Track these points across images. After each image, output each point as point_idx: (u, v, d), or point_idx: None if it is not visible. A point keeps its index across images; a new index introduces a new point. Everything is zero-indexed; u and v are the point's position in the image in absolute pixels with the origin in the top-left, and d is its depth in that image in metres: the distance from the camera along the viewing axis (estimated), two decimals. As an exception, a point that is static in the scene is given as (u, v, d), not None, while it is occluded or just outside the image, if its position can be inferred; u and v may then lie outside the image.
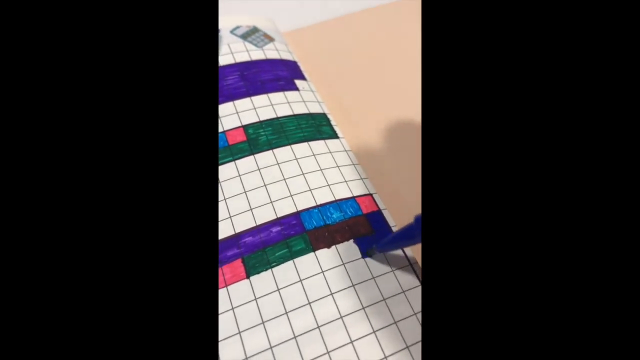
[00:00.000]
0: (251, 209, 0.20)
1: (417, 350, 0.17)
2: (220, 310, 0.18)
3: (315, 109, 0.24)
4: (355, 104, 0.26)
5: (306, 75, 0.27)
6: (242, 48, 0.26)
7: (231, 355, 0.17)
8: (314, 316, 0.17)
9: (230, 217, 0.20)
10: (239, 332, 0.17)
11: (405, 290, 0.19)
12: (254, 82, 0.24)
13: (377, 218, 0.21)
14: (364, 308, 0.18)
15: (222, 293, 0.18)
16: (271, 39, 0.27)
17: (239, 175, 0.21)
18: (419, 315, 0.18)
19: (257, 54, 0.26)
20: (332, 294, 0.18)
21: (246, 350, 0.17)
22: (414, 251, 0.20)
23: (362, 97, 0.27)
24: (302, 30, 0.31)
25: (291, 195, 0.20)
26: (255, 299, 0.18)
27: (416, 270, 0.19)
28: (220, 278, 0.18)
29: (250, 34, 0.27)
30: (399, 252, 0.20)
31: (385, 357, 0.17)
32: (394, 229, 0.20)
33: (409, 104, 0.25)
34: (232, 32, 0.27)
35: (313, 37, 0.31)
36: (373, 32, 0.31)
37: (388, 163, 0.24)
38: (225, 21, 0.28)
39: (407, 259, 0.19)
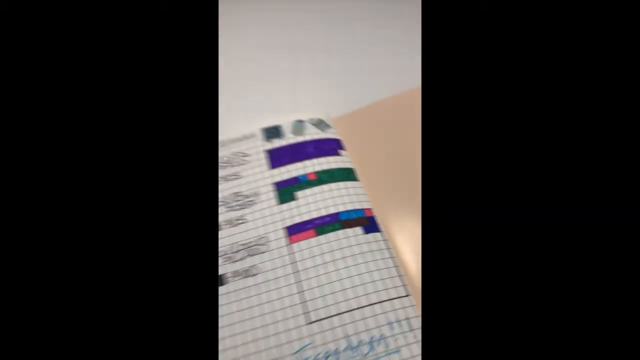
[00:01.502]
0: (317, 209, 0.46)
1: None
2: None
3: (348, 165, 0.50)
4: (373, 169, 0.52)
5: (345, 147, 0.53)
6: (314, 131, 0.52)
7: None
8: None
9: (309, 212, 0.45)
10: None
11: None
12: (321, 150, 0.50)
13: (373, 221, 0.46)
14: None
15: (312, 241, 0.44)
16: (328, 126, 0.54)
17: (313, 195, 0.47)
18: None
19: (321, 135, 0.52)
20: (349, 246, 0.43)
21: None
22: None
23: (384, 171, 0.52)
24: (346, 116, 0.57)
25: (335, 205, 0.46)
26: (319, 245, 0.43)
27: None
28: (305, 235, 0.44)
29: (319, 124, 0.53)
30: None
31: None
32: (380, 225, 0.46)
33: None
34: (309, 122, 0.53)
35: (352, 122, 0.57)
36: (399, 117, 0.57)
37: (383, 188, 0.49)
38: (306, 115, 0.54)
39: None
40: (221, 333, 0.38)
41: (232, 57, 0.67)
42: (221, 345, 0.37)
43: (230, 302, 0.40)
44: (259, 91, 0.62)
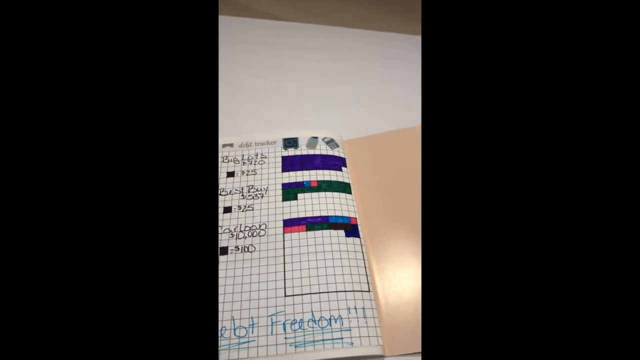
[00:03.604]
0: (312, 210, 0.56)
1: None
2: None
3: (346, 180, 0.60)
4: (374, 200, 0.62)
5: (348, 164, 0.63)
6: (324, 148, 0.63)
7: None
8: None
9: (305, 212, 0.56)
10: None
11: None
12: (326, 164, 0.61)
13: (355, 228, 0.56)
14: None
15: (302, 234, 0.54)
16: (337, 145, 0.64)
17: (311, 198, 0.57)
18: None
19: (330, 152, 0.63)
20: (331, 243, 0.53)
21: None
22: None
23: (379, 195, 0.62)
24: (355, 140, 0.68)
25: (327, 210, 0.56)
26: (307, 238, 0.53)
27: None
28: (298, 229, 0.54)
29: (330, 142, 0.64)
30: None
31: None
32: (361, 232, 0.55)
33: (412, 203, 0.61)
34: (322, 139, 0.64)
35: (359, 145, 0.67)
36: (400, 149, 0.67)
37: (370, 203, 0.59)
38: (321, 133, 0.65)
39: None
40: (219, 290, 0.49)
41: (271, 78, 0.79)
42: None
43: (228, 269, 0.51)
44: (289, 108, 0.73)
